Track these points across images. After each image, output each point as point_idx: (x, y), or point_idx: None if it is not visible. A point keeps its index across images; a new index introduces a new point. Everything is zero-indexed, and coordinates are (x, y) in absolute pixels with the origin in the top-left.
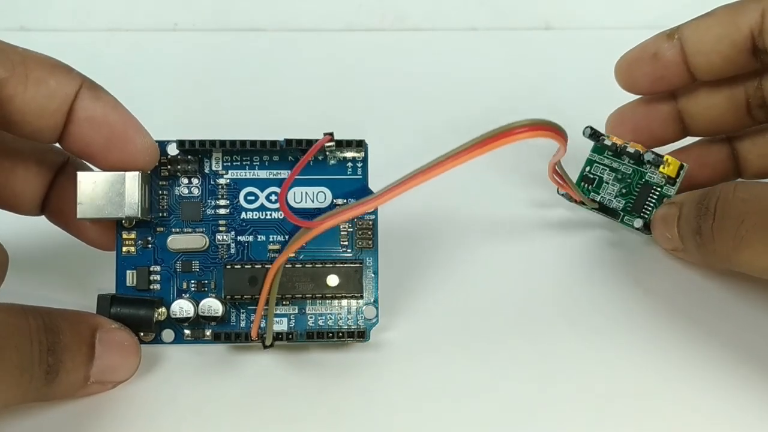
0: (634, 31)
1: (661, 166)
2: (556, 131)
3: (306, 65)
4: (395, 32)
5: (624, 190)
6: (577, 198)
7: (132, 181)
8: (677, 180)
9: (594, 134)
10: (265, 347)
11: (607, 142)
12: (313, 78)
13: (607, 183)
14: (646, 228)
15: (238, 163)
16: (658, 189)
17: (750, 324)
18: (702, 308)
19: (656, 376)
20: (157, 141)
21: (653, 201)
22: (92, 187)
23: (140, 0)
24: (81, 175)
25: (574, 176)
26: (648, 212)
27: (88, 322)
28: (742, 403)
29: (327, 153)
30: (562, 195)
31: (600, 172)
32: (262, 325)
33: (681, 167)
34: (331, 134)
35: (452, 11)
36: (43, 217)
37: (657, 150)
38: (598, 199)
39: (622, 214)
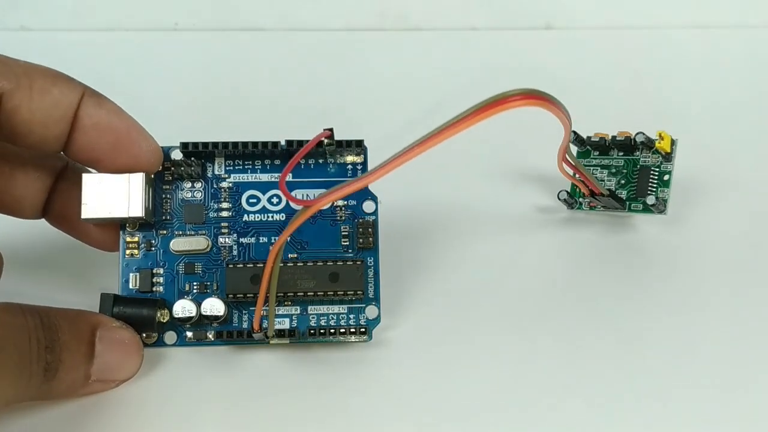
0: (634, 31)
1: (656, 143)
2: (550, 101)
3: (306, 65)
4: (395, 32)
5: (622, 181)
6: (586, 190)
7: (136, 182)
8: (672, 155)
9: (578, 138)
10: (267, 338)
11: (594, 139)
12: (313, 78)
13: (603, 180)
14: (660, 203)
15: (240, 167)
16: (657, 168)
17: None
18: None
19: (670, 378)
20: (162, 146)
21: (655, 182)
22: (97, 188)
23: (140, 0)
24: (86, 177)
25: (567, 185)
26: (653, 192)
27: (88, 321)
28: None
29: (327, 155)
30: (563, 201)
31: (592, 173)
32: (264, 324)
33: (673, 141)
34: (331, 130)
35: (452, 11)
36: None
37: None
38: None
39: (628, 202)
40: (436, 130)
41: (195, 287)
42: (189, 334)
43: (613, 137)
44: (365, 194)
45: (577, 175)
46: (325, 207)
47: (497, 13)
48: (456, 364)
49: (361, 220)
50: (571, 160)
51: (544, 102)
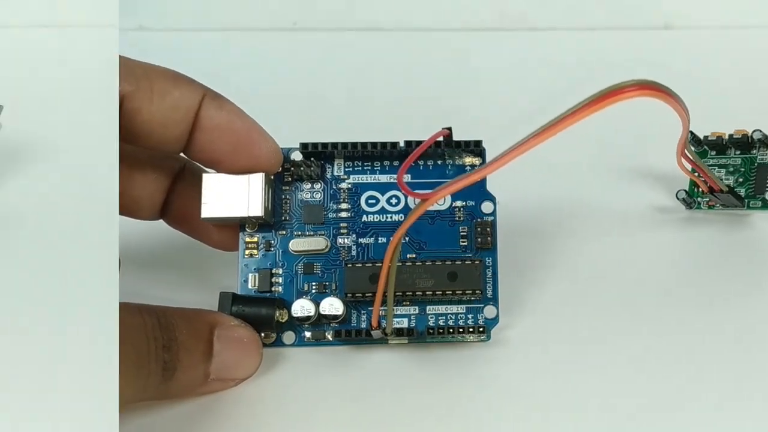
0: (753, 30)
1: None
2: (666, 92)
3: (425, 65)
4: (514, 32)
5: (740, 180)
6: (705, 187)
7: (256, 182)
8: None
9: (694, 138)
10: (386, 337)
11: (711, 138)
12: (432, 78)
13: (721, 179)
14: None
15: (360, 168)
16: None
17: None
18: None
19: None
20: (281, 148)
21: None
22: (217, 188)
23: (258, 0)
24: (206, 176)
25: (684, 185)
26: None
27: (206, 320)
28: None
29: (446, 156)
30: (681, 200)
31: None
32: (383, 324)
33: None
34: (450, 129)
35: (570, 11)
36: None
37: None
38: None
39: (747, 200)
40: (551, 123)
41: (314, 287)
42: (307, 333)
43: (730, 136)
44: (483, 195)
45: (696, 172)
46: (440, 200)
47: (615, 12)
48: (573, 363)
49: (479, 221)
50: (690, 155)
51: (659, 93)
